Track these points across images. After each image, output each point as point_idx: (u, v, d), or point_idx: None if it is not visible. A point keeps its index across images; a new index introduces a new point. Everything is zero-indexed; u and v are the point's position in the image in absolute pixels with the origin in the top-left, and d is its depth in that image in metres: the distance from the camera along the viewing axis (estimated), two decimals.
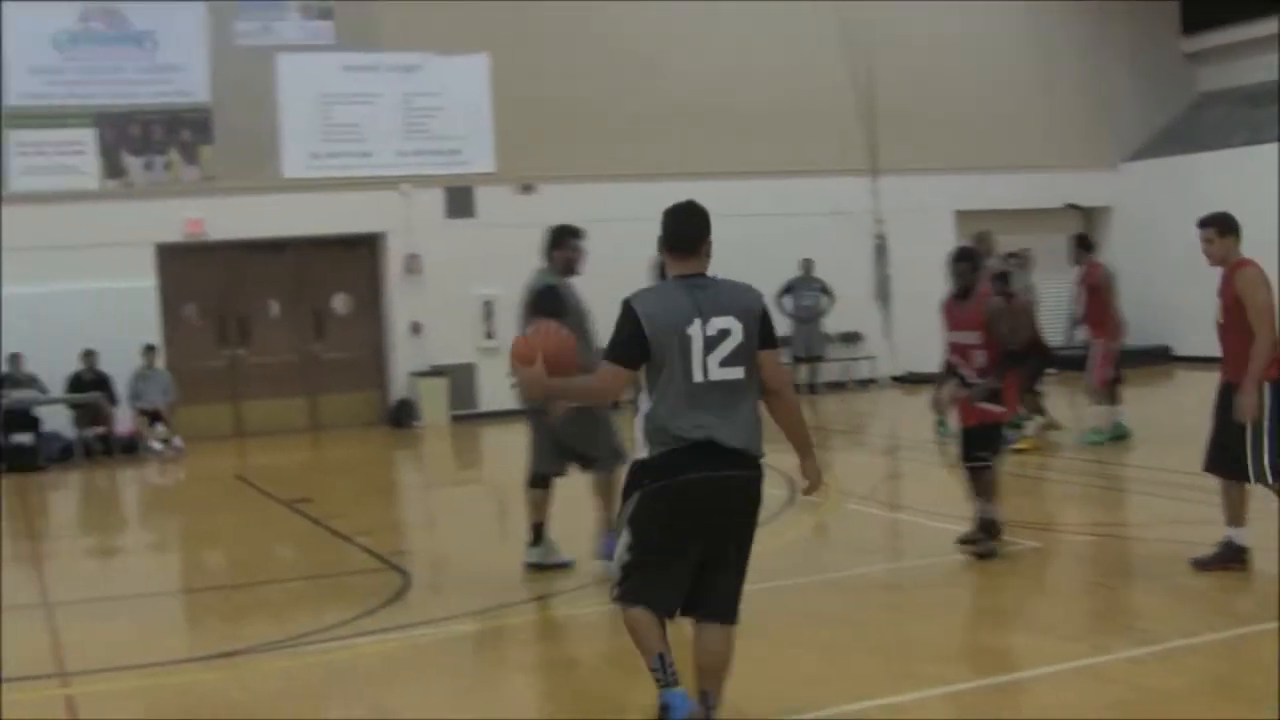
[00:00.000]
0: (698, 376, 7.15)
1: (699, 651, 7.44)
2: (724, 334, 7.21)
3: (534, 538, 12.13)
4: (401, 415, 26.02)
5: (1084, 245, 19.64)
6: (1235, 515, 10.80)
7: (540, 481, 12.11)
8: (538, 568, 12.02)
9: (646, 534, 7.25)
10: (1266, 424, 10.48)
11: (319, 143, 25.91)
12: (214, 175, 25.23)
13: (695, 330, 7.17)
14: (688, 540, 7.22)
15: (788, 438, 7.72)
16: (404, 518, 17.99)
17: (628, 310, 7.32)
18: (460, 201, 26.66)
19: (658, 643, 7.31)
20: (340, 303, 26.88)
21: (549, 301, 11.91)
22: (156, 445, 23.29)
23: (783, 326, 27.60)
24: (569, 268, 12.57)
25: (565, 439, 11.88)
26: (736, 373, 7.23)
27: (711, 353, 7.18)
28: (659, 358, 7.18)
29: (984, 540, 11.72)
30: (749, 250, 26.50)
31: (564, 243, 12.78)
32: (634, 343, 7.24)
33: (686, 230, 7.70)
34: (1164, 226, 29.37)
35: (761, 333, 7.36)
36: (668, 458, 7.16)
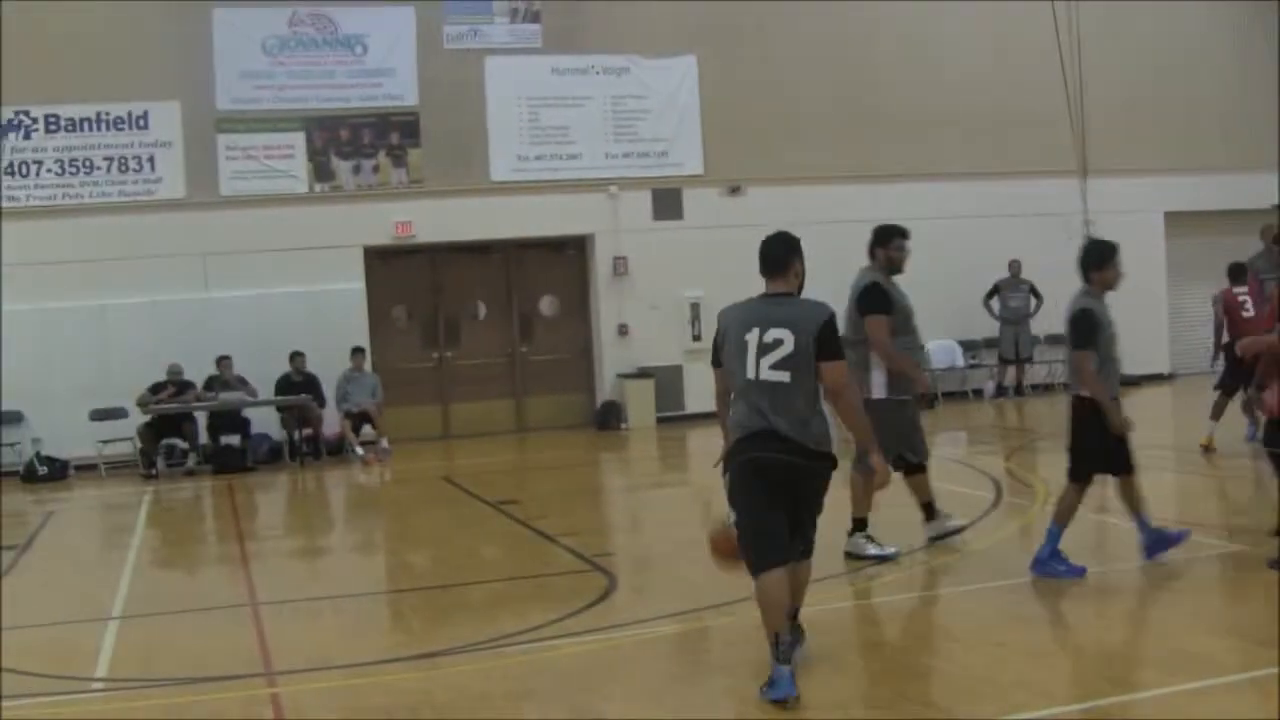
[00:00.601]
0: (750, 375, 8.59)
1: (792, 580, 8.70)
2: (777, 343, 8.52)
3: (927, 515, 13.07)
4: (608, 417, 26.04)
5: None
6: None
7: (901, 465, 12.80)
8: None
9: (736, 504, 8.71)
10: None
11: (526, 145, 26.03)
12: (422, 178, 25.46)
13: (753, 338, 8.59)
14: (764, 508, 8.54)
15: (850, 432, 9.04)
16: (609, 520, 17.96)
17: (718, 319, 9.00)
18: (667, 203, 26.63)
19: (778, 619, 8.38)
20: (547, 305, 26.98)
21: (875, 299, 12.69)
22: (359, 450, 23.45)
23: (989, 328, 27.31)
24: (894, 266, 13.03)
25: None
26: (783, 376, 8.49)
27: (765, 357, 8.55)
28: (727, 361, 8.79)
29: None
30: (956, 252, 26.39)
31: (889, 241, 13.27)
32: (714, 347, 8.98)
33: (769, 255, 9.00)
34: None
35: (819, 342, 8.51)
36: (737, 443, 8.71)
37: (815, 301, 8.76)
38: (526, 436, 26.18)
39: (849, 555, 12.55)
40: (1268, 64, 30.74)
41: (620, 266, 26.31)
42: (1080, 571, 11.12)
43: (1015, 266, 27.37)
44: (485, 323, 26.81)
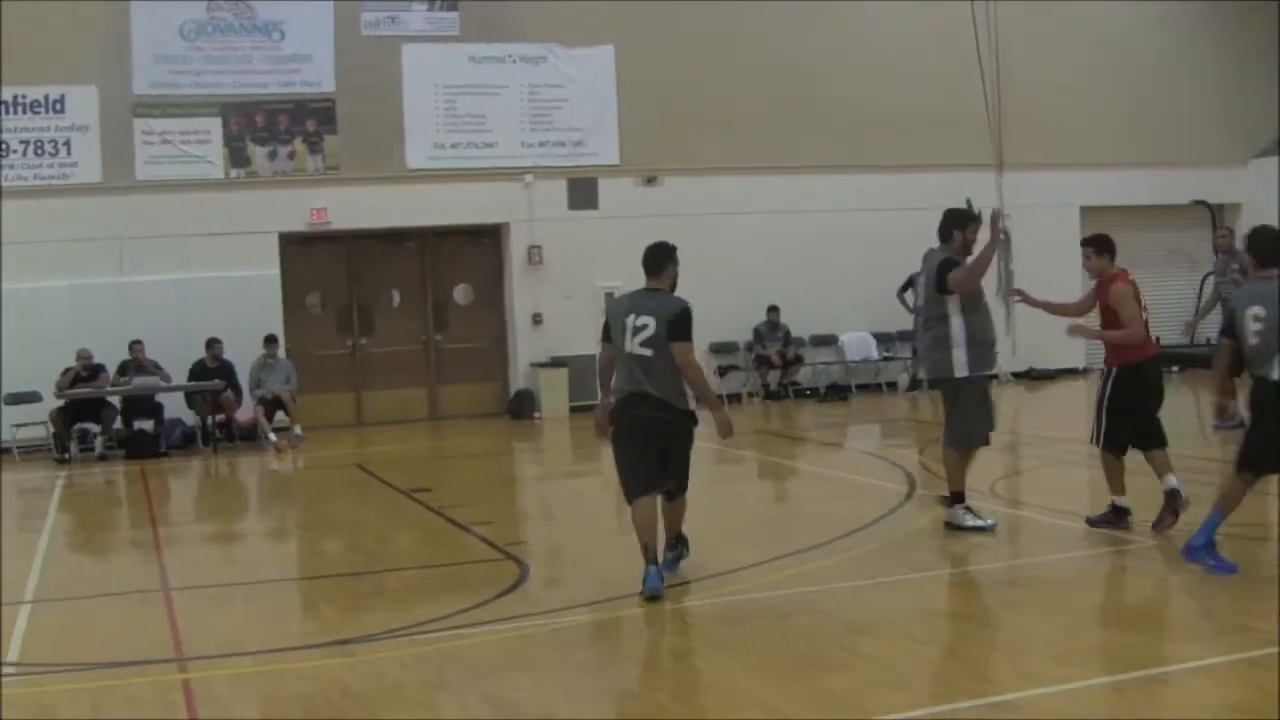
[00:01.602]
0: (627, 349, 11.04)
1: (668, 514, 11.56)
2: (644, 326, 10.98)
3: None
4: (521, 406, 26.07)
5: None
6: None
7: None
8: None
9: (616, 452, 11.34)
10: (1106, 403, 12.71)
11: (443, 133, 26.02)
12: (338, 165, 25.42)
13: (630, 321, 11.04)
14: (637, 452, 11.13)
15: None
16: (522, 508, 18.02)
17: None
18: (583, 193, 26.67)
19: (648, 534, 10.99)
20: (462, 293, 26.99)
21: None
22: (272, 436, 23.39)
23: (905, 321, 27.45)
24: (967, 249, 13.38)
25: None
26: (648, 351, 10.97)
27: (636, 336, 10.99)
28: (614, 338, 11.21)
29: None
30: (874, 243, 26.53)
31: (966, 225, 13.72)
32: (604, 327, 11.42)
33: (648, 260, 11.36)
34: None
35: (671, 328, 10.93)
36: (618, 402, 11.26)
37: (675, 297, 11.24)
38: (440, 424, 26.18)
39: (949, 525, 12.99)
40: (1186, 58, 31.07)
41: (535, 255, 26.34)
42: (1230, 568, 10.77)
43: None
44: (400, 310, 26.79)
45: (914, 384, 28.06)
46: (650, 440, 11.06)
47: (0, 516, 17.38)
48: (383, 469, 19.87)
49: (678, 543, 11.80)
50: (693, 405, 11.19)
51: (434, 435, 25.20)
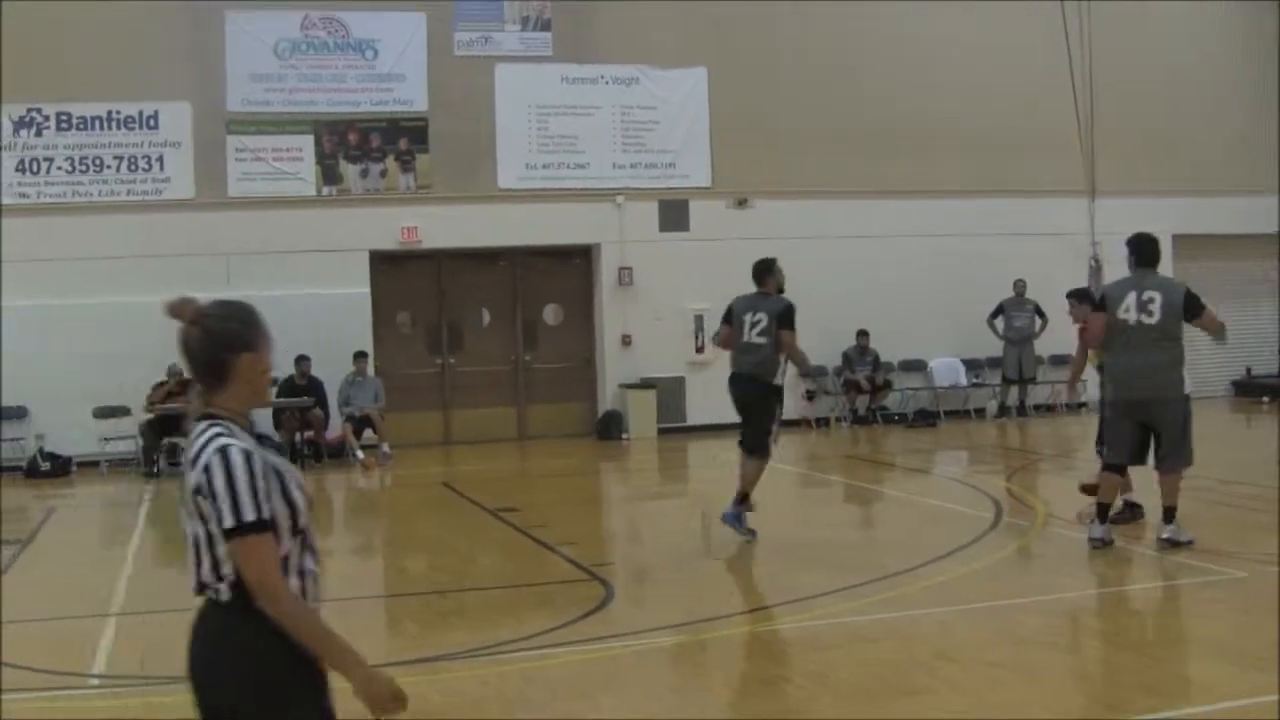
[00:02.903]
0: (744, 338, 14.43)
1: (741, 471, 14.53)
2: (758, 320, 14.34)
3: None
4: (609, 427, 26.06)
5: None
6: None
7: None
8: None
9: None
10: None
11: (534, 153, 26.07)
12: (429, 184, 25.52)
13: (748, 316, 14.42)
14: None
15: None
16: (608, 529, 17.99)
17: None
18: (674, 215, 26.66)
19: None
20: (551, 313, 27.01)
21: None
22: (360, 454, 23.46)
23: (994, 347, 27.31)
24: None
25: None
26: (762, 339, 14.27)
27: (752, 328, 14.35)
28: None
29: None
30: (962, 270, 26.43)
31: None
32: (726, 314, 14.78)
33: (756, 272, 14.78)
34: None
35: (779, 319, 14.28)
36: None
37: (779, 298, 14.55)
38: (528, 444, 26.21)
39: (1168, 542, 13.18)
40: (1272, 87, 30.79)
41: (625, 277, 26.34)
42: None
43: (1020, 286, 27.38)
44: (489, 330, 26.84)
45: (1003, 410, 27.89)
46: (744, 409, 14.76)
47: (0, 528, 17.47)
48: (469, 488, 19.87)
49: (741, 501, 14.38)
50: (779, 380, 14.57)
51: (521, 455, 25.22)
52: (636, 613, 11.64)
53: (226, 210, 24.42)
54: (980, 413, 28.25)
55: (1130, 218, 28.09)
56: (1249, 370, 29.07)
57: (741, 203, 26.93)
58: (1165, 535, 13.16)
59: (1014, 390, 27.94)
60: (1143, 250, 13.85)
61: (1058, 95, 27.82)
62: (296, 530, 4.61)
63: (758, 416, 14.49)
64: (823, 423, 26.85)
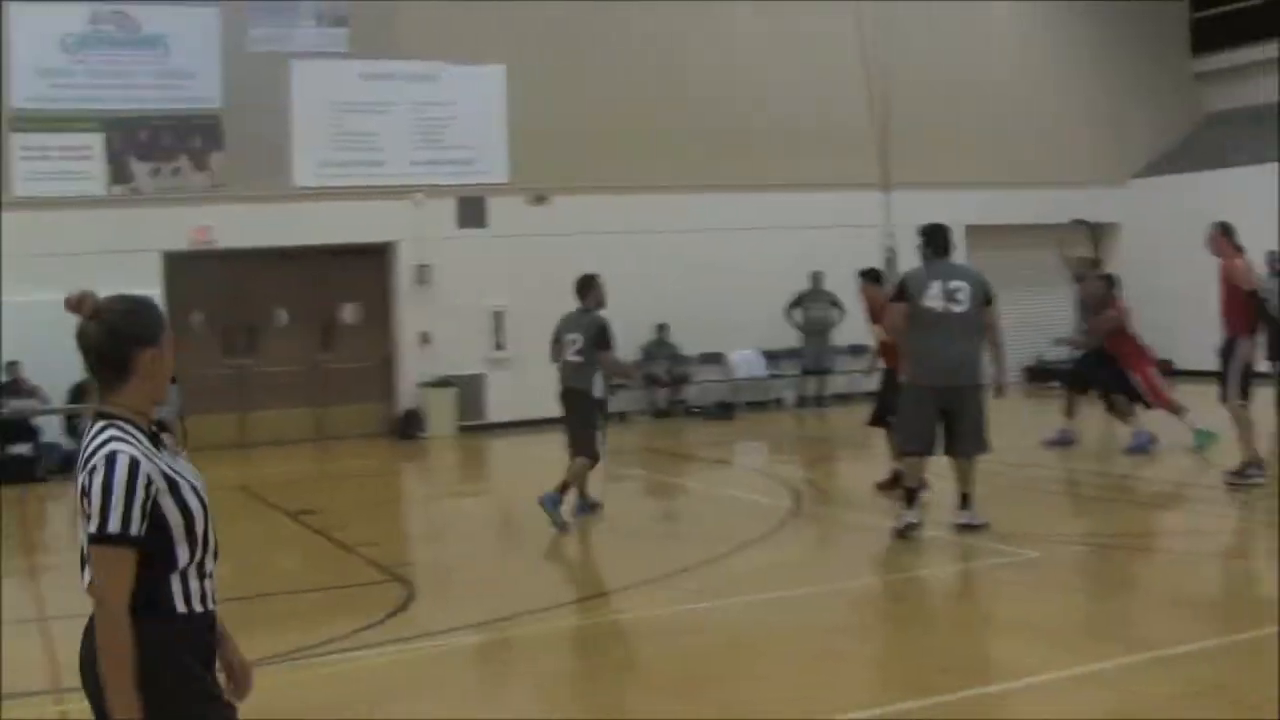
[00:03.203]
0: (565, 356, 15.72)
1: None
2: (574, 340, 15.56)
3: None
4: (408, 426, 25.89)
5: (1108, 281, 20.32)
6: None
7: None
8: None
9: None
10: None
11: (331, 151, 25.78)
12: (223, 183, 25.09)
13: (567, 336, 15.64)
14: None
15: None
16: (409, 529, 17.91)
17: None
18: (472, 212, 26.54)
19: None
20: (349, 312, 26.75)
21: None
22: None
23: (791, 338, 27.59)
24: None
25: None
26: (578, 358, 15.52)
27: (570, 347, 15.66)
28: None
29: None
30: (760, 262, 26.63)
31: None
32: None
33: (577, 288, 15.79)
34: (1170, 243, 29.81)
35: (594, 340, 15.43)
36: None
37: (590, 315, 15.64)
38: (327, 445, 25.92)
39: (965, 527, 13.49)
40: (1068, 82, 31.56)
41: (423, 274, 26.17)
42: None
43: (817, 278, 27.66)
44: (286, 330, 26.49)
45: (802, 401, 28.18)
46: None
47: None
48: (268, 491, 19.67)
49: (563, 490, 15.07)
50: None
51: (320, 456, 24.97)
52: (440, 612, 11.57)
53: (12, 211, 23.81)
54: (780, 404, 28.52)
55: (925, 209, 28.55)
56: (1041, 356, 29.63)
57: (539, 199, 26.88)
58: (962, 520, 13.45)
59: (812, 381, 28.26)
60: (937, 239, 14.19)
61: (853, 90, 28.17)
62: (191, 535, 4.57)
63: (581, 427, 15.50)
64: (622, 417, 26.94)
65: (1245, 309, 15.62)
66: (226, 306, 25.92)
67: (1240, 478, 15.38)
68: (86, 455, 4.47)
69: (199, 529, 4.60)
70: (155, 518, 4.45)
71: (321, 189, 25.50)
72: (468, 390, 25.96)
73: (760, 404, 28.26)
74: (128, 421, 4.57)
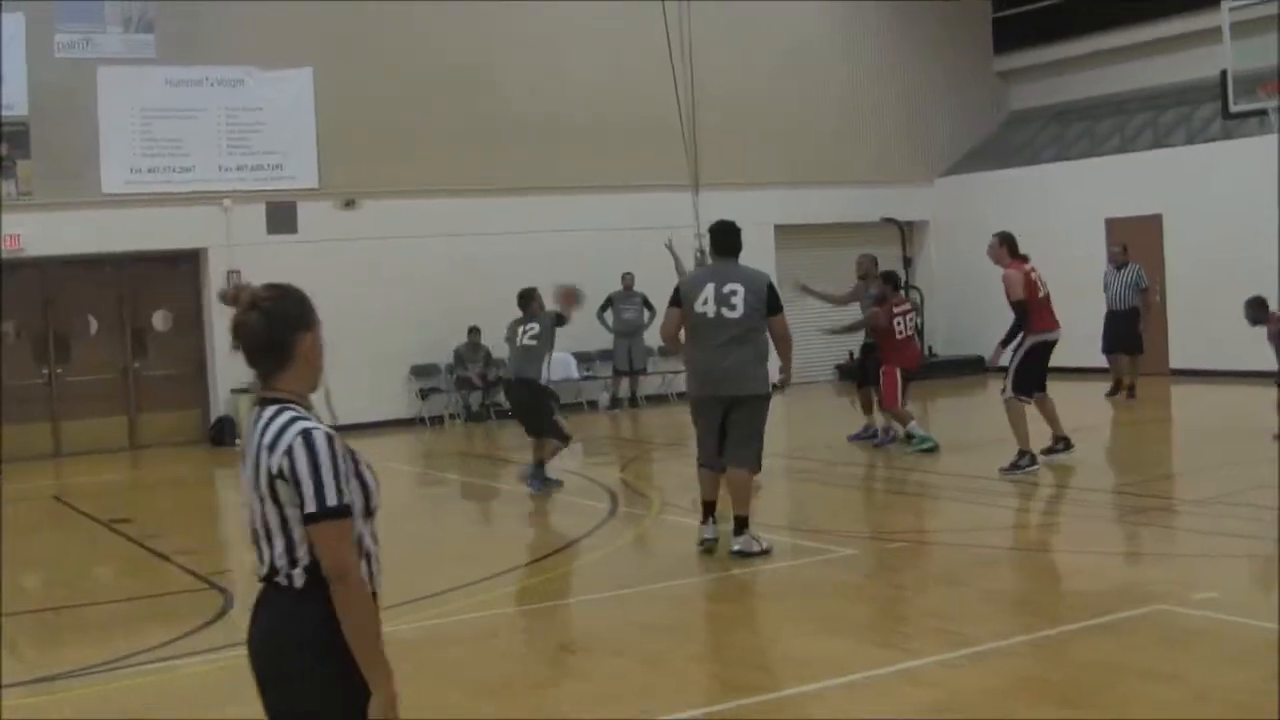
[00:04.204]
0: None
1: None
2: (529, 329, 16.86)
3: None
4: (222, 433, 25.73)
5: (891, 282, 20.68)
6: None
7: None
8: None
9: None
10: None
11: (140, 157, 25.55)
12: (31, 190, 24.77)
13: (518, 329, 17.15)
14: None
15: None
16: (225, 537, 17.74)
17: None
18: (282, 217, 26.42)
19: None
20: (160, 319, 26.54)
21: None
22: None
23: (604, 340, 27.78)
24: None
25: None
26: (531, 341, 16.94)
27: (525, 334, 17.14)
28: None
29: None
30: (570, 264, 26.69)
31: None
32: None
33: (520, 300, 17.31)
34: (977, 239, 30.16)
35: (556, 321, 17.14)
36: None
37: (549, 313, 17.32)
38: (140, 453, 25.69)
39: (739, 554, 12.69)
40: (874, 82, 32.08)
41: (234, 280, 26.00)
42: None
43: (628, 279, 27.86)
44: (97, 338, 26.22)
45: (615, 402, 28.39)
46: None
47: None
48: (81, 500, 19.45)
49: (539, 465, 17.34)
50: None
51: (133, 464, 24.75)
52: None
53: None
54: (593, 405, 28.69)
55: (735, 208, 28.92)
56: (852, 355, 30.09)
57: (349, 203, 26.84)
58: (736, 548, 12.56)
59: (625, 382, 28.47)
60: (717, 239, 13.40)
61: (662, 89, 28.43)
62: (369, 511, 4.69)
63: (540, 414, 17.48)
64: (436, 420, 26.99)
65: (1023, 315, 16.77)
66: (37, 315, 25.61)
67: (1051, 453, 16.98)
68: (272, 439, 4.60)
69: (374, 504, 4.74)
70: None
71: (130, 196, 25.27)
72: None
73: (574, 406, 28.40)
74: (296, 404, 4.72)
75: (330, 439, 4.56)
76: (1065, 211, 27.17)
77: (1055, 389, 17.73)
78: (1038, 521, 14.07)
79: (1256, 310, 18.24)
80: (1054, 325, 17.05)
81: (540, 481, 17.32)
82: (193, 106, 25.94)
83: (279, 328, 4.74)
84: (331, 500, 4.49)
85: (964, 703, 8.21)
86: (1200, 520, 13.63)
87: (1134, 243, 25.73)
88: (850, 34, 32.26)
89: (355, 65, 26.72)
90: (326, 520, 4.50)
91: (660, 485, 17.94)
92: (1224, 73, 25.77)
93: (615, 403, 28.41)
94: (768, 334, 12.70)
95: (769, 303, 12.65)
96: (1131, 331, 23.74)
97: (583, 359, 28.59)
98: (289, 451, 4.54)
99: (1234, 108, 25.85)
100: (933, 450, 18.89)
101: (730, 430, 12.61)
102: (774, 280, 13.12)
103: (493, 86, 27.80)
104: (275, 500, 4.58)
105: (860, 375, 21.03)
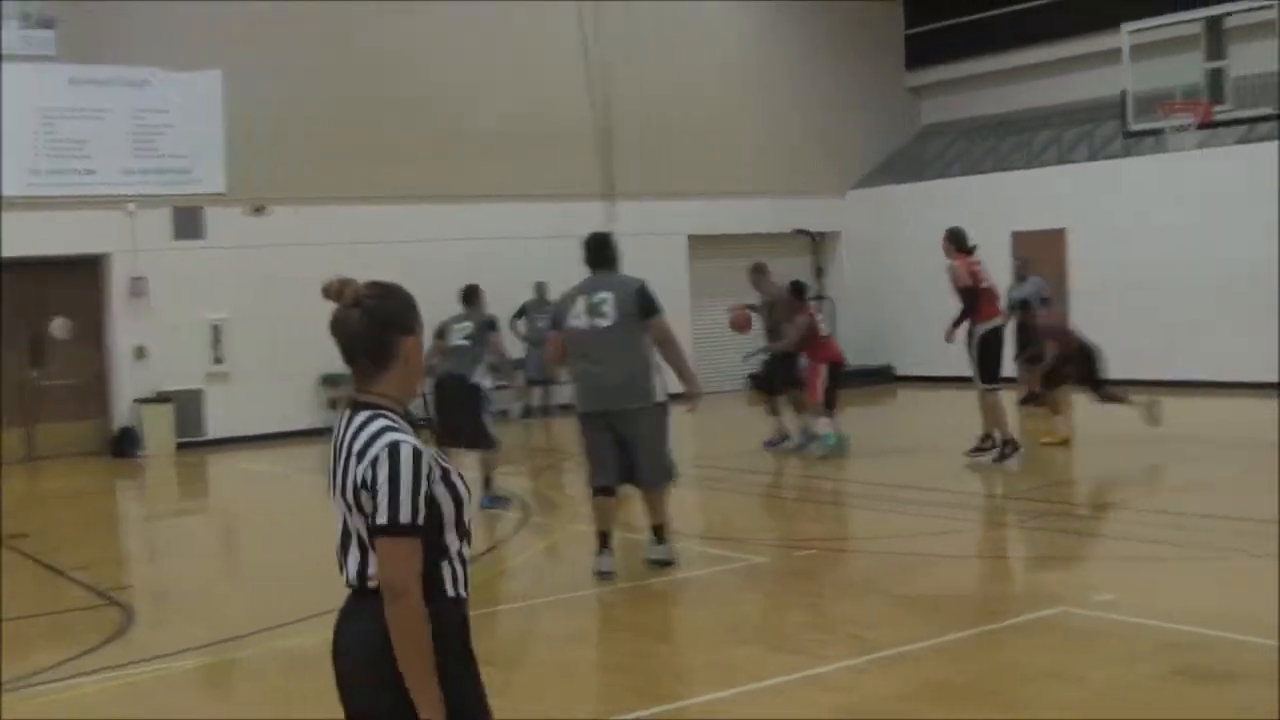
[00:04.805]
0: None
1: None
2: (463, 328, 16.34)
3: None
4: (124, 444, 25.20)
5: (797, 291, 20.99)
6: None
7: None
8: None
9: None
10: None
11: (39, 159, 24.94)
12: None
13: (452, 328, 16.43)
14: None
15: None
16: (126, 551, 17.37)
17: None
18: (189, 222, 25.92)
19: None
20: (59, 327, 25.83)
21: None
22: None
23: (516, 349, 27.47)
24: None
25: None
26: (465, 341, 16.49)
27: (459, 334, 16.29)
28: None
29: None
30: (484, 273, 26.34)
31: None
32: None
33: (463, 297, 16.63)
34: (888, 251, 31.01)
35: (490, 323, 16.83)
36: None
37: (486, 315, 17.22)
38: (38, 465, 25.07)
39: (657, 563, 12.62)
40: (788, 94, 32.13)
41: (138, 287, 25.51)
42: None
43: (542, 289, 27.58)
44: None
45: (527, 411, 28.12)
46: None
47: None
48: None
49: (487, 485, 16.62)
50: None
51: (30, 477, 24.09)
52: (159, 635, 11.26)
53: None
54: (506, 414, 28.38)
55: (649, 219, 28.88)
56: (763, 362, 30.04)
57: (258, 209, 26.40)
58: (654, 557, 12.51)
59: (537, 391, 28.22)
60: (590, 250, 12.88)
61: (576, 97, 28.27)
62: (460, 522, 4.57)
63: (470, 416, 16.49)
64: None
65: (971, 301, 17.86)
66: None
67: (980, 453, 18.16)
68: (361, 446, 4.48)
69: (466, 516, 4.60)
70: (431, 505, 4.45)
71: (30, 198, 24.63)
72: (186, 406, 25.38)
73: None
74: (390, 410, 4.57)
75: (418, 455, 4.42)
76: (973, 224, 26.97)
77: (968, 397, 18.75)
78: (946, 528, 14.09)
79: None
80: (998, 314, 18.29)
81: (489, 500, 16.59)
82: (96, 107, 25.36)
83: (381, 328, 4.62)
84: (404, 517, 4.37)
85: (870, 707, 8.38)
86: (1100, 525, 14.50)
87: (1038, 256, 26.48)
88: (765, 48, 32.30)
89: (265, 69, 26.25)
90: (394, 536, 4.39)
91: (572, 494, 17.73)
92: (1124, 92, 26.49)
93: (528, 412, 28.14)
94: (649, 341, 12.28)
95: (642, 307, 12.24)
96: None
97: (494, 368, 28.21)
98: (374, 462, 4.43)
99: (1133, 126, 26.63)
100: (839, 448, 19.47)
101: (632, 449, 12.27)
102: (646, 285, 12.48)
103: (405, 92, 27.48)
104: (360, 509, 4.48)
105: (770, 383, 21.06)
